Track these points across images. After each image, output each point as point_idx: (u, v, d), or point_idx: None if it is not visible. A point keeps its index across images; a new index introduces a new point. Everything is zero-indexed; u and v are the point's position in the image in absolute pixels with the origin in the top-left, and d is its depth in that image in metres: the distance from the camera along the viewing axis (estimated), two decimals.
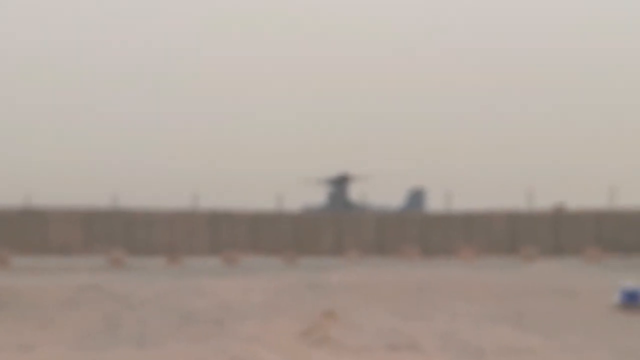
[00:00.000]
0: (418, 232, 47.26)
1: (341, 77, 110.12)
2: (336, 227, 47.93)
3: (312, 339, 14.35)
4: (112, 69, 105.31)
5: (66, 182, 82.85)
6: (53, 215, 49.14)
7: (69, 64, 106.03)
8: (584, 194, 71.54)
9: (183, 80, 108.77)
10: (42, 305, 19.30)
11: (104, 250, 44.37)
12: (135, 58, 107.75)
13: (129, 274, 30.79)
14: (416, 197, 67.55)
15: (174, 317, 17.26)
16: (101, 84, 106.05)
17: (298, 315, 17.37)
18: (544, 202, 54.50)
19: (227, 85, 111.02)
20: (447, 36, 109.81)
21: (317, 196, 68.66)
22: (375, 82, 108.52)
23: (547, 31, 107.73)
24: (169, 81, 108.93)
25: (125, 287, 23.76)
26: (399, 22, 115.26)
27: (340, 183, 66.22)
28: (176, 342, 14.30)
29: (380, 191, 70.22)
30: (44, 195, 60.04)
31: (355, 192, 64.73)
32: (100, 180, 79.91)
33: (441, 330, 15.42)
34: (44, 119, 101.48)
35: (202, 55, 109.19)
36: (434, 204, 61.68)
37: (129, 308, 18.72)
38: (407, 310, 18.30)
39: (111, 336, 14.97)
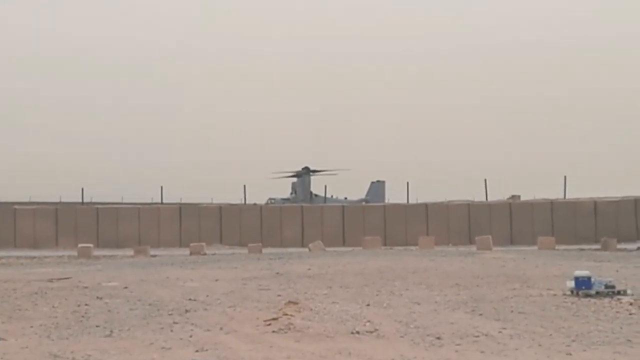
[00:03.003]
0: (379, 222, 47.78)
1: (306, 76, 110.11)
2: (300, 219, 48.28)
3: (276, 326, 14.63)
4: (74, 60, 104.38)
5: (34, 177, 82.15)
6: (21, 209, 49.00)
7: (43, 57, 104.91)
8: (538, 186, 72.49)
9: (151, 73, 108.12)
10: (12, 297, 19.53)
11: (72, 243, 44.46)
12: (104, 50, 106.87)
13: (97, 265, 30.92)
14: (377, 189, 68.13)
15: (141, 307, 17.53)
16: (70, 78, 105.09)
17: (263, 304, 17.75)
18: (499, 193, 55.34)
19: (193, 79, 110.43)
20: (404, 38, 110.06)
21: (281, 189, 68.98)
22: (337, 79, 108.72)
23: (497, 26, 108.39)
24: (136, 74, 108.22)
25: (93, 278, 24.01)
26: (363, 20, 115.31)
27: (303, 176, 66.57)
28: (143, 331, 14.52)
29: (341, 184, 70.72)
30: (12, 189, 59.66)
31: (317, 185, 65.08)
32: (67, 174, 79.43)
33: (401, 316, 15.72)
34: (11, 114, 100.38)
35: (170, 49, 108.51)
36: (394, 196, 62.30)
37: (97, 299, 18.98)
38: (369, 298, 18.70)
39: (80, 326, 15.16)
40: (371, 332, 14.06)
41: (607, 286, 18.74)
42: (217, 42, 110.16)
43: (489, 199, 51.86)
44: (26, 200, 65.30)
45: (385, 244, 44.51)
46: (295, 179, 68.08)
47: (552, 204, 49.00)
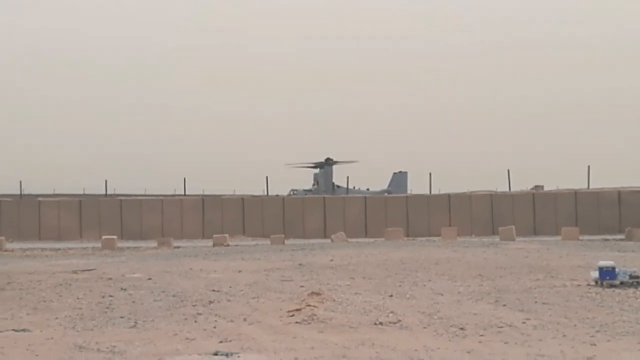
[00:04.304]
0: (402, 214, 47.67)
1: (329, 68, 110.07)
2: (322, 210, 48.27)
3: (299, 318, 14.63)
4: (101, 59, 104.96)
5: (58, 170, 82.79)
6: (46, 202, 49.35)
7: (61, 54, 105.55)
8: (561, 176, 72.16)
9: (171, 70, 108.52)
10: (37, 289, 19.67)
11: (96, 235, 44.72)
12: (124, 50, 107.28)
13: (121, 257, 31.06)
14: (399, 181, 68.04)
15: (165, 298, 17.60)
16: (92, 74, 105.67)
17: (286, 295, 17.77)
18: (522, 184, 55.07)
19: (215, 75, 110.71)
20: (429, 30, 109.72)
21: (304, 181, 69.05)
22: (361, 74, 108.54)
23: (525, 20, 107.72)
24: (157, 72, 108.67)
25: (118, 270, 24.13)
26: (383, 17, 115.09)
27: (325, 168, 66.59)
28: (167, 322, 14.60)
29: (364, 175, 70.73)
30: (37, 182, 60.18)
31: (340, 177, 65.02)
32: (91, 167, 79.94)
33: (424, 308, 15.70)
34: (37, 108, 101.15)
35: (188, 46, 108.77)
36: (417, 187, 62.17)
37: (121, 291, 19.07)
38: (392, 289, 18.69)
39: (105, 318, 15.25)
40: (395, 323, 14.05)
41: (631, 277, 18.62)
42: (233, 42, 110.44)
43: (512, 190, 51.60)
44: (51, 193, 65.82)
45: (407, 235, 44.40)
46: (317, 171, 68.10)
47: (576, 194, 48.69)
